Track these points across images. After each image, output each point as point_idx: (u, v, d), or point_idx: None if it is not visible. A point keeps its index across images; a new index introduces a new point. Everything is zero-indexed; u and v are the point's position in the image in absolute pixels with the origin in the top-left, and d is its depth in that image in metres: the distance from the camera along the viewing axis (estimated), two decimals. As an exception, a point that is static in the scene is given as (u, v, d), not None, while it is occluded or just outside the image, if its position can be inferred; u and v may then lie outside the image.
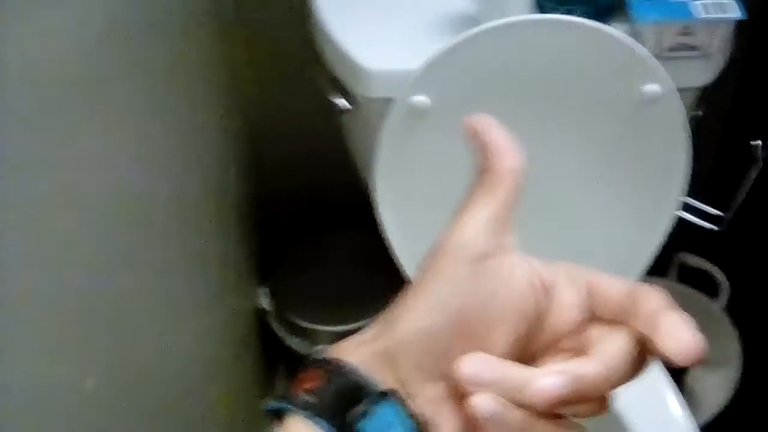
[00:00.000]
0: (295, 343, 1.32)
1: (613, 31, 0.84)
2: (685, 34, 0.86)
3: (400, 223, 1.00)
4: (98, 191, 0.62)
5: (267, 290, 1.36)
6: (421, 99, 0.88)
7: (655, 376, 1.00)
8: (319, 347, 1.31)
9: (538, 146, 0.92)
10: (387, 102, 0.90)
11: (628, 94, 0.88)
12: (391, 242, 1.02)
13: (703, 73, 0.91)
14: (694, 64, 0.90)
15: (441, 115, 0.90)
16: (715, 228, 1.00)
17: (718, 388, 1.30)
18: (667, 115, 0.89)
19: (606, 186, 0.96)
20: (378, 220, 1.00)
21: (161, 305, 0.80)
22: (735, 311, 1.38)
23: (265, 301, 1.34)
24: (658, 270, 1.24)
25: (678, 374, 1.29)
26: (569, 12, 0.89)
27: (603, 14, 0.91)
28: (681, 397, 0.99)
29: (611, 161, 0.94)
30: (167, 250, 0.82)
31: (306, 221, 1.47)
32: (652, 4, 0.86)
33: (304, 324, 1.30)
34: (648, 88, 0.87)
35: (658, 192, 0.96)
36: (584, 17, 0.86)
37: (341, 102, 0.99)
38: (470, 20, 0.93)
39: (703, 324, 1.25)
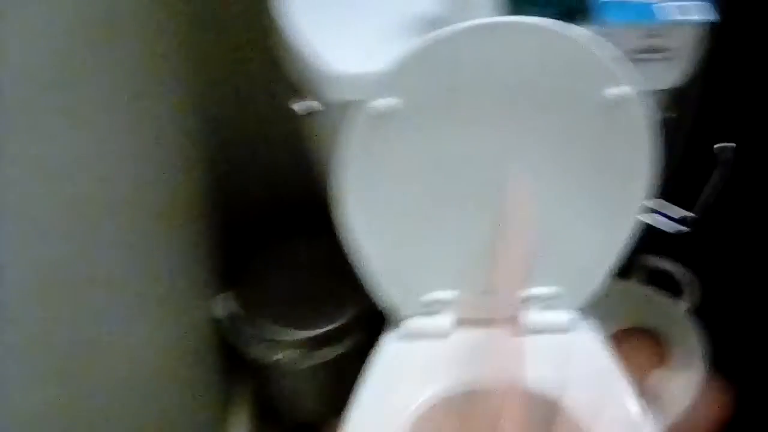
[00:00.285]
0: (256, 351, 1.30)
1: (579, 33, 0.84)
2: (652, 36, 0.87)
3: (366, 228, 0.99)
4: (47, 193, 0.61)
5: (227, 297, 1.34)
6: (387, 101, 0.88)
7: (615, 378, 1.01)
8: (281, 355, 1.29)
9: (505, 148, 0.93)
10: (350, 106, 0.89)
11: (594, 96, 0.88)
12: (354, 248, 1.01)
13: (670, 75, 0.91)
14: (662, 66, 0.90)
15: (407, 117, 0.89)
16: (684, 230, 1.01)
17: (682, 391, 1.31)
18: (633, 117, 0.89)
19: (572, 188, 0.97)
20: (340, 225, 0.99)
21: (113, 314, 0.78)
22: (701, 314, 1.39)
23: (225, 309, 1.32)
24: (623, 272, 1.25)
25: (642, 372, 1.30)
26: (539, 13, 0.89)
27: (572, 15, 0.90)
28: (641, 400, 1.00)
29: (578, 163, 0.94)
30: (120, 256, 0.81)
31: (268, 227, 1.45)
32: (619, 7, 0.86)
33: (266, 332, 1.29)
34: (613, 91, 0.87)
35: (624, 194, 0.97)
36: (554, 18, 0.86)
37: (305, 106, 0.97)
38: (435, 22, 0.93)
39: (668, 326, 1.27)
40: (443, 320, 1.08)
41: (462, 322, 1.10)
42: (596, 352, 1.06)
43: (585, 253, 1.03)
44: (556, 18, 0.88)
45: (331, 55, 0.92)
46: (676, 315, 1.39)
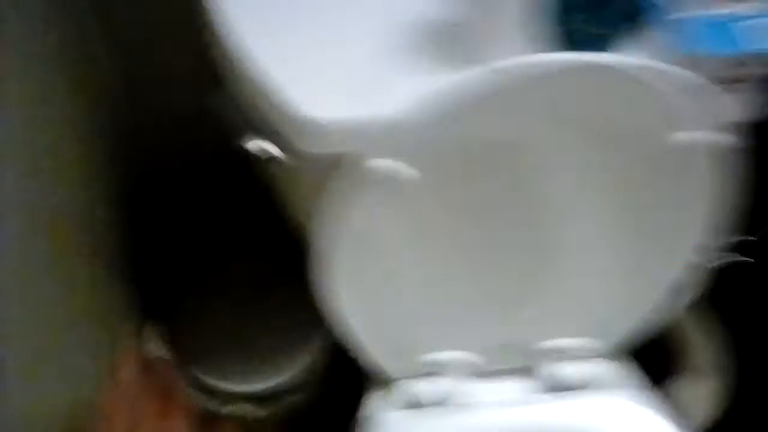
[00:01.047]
0: (199, 400, 1.14)
1: (650, 76, 0.70)
2: (739, 65, 0.72)
3: (355, 297, 0.85)
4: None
5: (161, 336, 1.15)
6: (393, 165, 0.71)
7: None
8: (227, 408, 1.14)
9: (547, 192, 0.78)
10: (337, 159, 0.73)
11: (659, 140, 0.76)
12: (339, 315, 0.87)
13: (752, 104, 0.78)
14: (742, 97, 0.77)
15: (421, 184, 0.73)
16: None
17: (709, 396, 1.25)
18: (698, 165, 0.78)
19: (622, 235, 0.85)
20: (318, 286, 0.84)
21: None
22: (718, 304, 1.31)
23: (160, 350, 1.14)
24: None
25: (659, 380, 1.23)
26: (586, 20, 0.73)
27: (628, 21, 0.75)
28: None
29: (630, 210, 0.83)
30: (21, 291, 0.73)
31: (205, 252, 1.27)
32: (708, 31, 0.70)
33: (211, 381, 1.11)
34: (681, 137, 0.75)
35: (677, 241, 0.87)
36: (604, 27, 0.74)
37: (264, 148, 0.78)
38: (444, 29, 0.75)
39: (681, 320, 1.16)
40: (452, 384, 0.96)
41: (472, 376, 0.98)
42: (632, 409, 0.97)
43: (621, 303, 0.93)
44: (606, 27, 0.74)
45: (308, 94, 0.71)
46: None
